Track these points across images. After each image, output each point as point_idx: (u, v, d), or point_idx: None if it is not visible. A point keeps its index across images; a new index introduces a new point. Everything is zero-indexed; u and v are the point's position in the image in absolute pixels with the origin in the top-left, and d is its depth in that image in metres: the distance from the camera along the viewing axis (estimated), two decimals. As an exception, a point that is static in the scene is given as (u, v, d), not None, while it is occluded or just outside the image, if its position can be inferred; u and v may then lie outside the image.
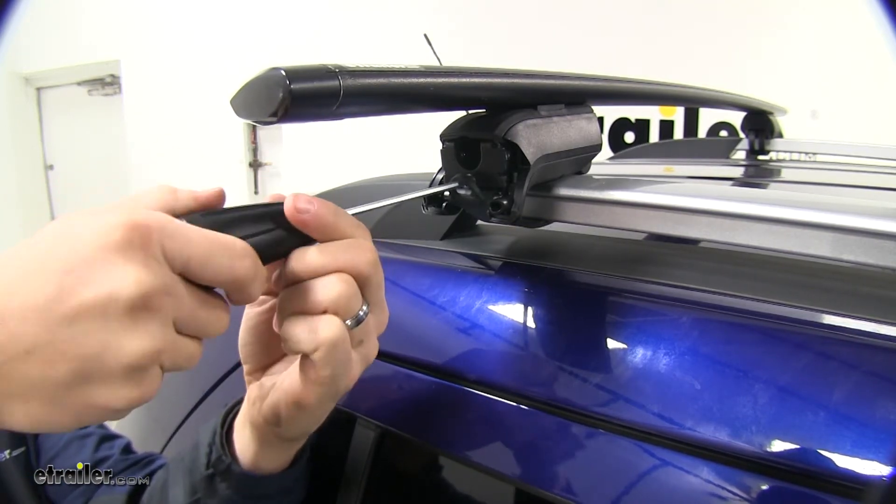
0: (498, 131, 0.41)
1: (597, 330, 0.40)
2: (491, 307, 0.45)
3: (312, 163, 3.85)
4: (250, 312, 0.40)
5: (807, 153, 1.33)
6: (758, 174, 0.94)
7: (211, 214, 0.31)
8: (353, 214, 0.35)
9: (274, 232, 0.32)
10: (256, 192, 4.29)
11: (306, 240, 0.33)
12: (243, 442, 0.42)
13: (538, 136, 0.43)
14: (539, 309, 0.44)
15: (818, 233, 0.35)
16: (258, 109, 0.29)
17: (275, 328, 0.35)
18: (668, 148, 1.47)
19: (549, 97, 0.46)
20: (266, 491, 0.42)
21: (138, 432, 0.81)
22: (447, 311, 0.47)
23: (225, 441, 0.42)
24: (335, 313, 0.32)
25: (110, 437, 0.60)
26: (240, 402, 0.43)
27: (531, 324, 0.43)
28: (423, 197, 0.46)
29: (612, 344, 0.39)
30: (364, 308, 0.34)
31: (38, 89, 4.92)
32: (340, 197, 0.72)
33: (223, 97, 0.34)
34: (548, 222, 0.48)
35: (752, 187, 0.80)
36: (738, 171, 0.96)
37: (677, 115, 3.22)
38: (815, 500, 0.29)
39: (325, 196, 0.34)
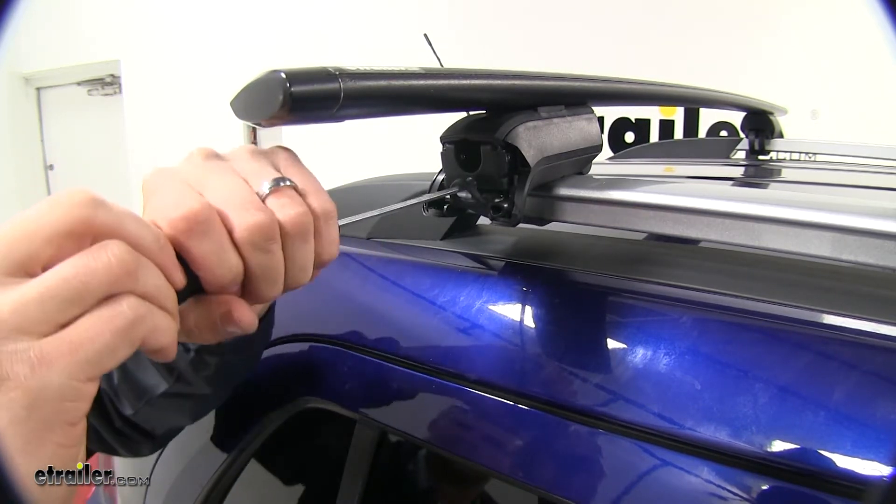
0: (498, 134, 0.41)
1: (597, 330, 0.40)
2: (491, 307, 0.45)
3: (312, 162, 3.83)
4: None
5: (807, 153, 1.33)
6: (758, 174, 0.94)
7: None
8: (353, 223, 0.35)
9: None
10: (256, 192, 4.28)
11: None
12: None
13: (538, 139, 0.43)
14: (539, 309, 0.44)
15: (818, 233, 0.35)
16: (258, 112, 0.29)
17: None
18: (668, 148, 1.46)
19: (549, 98, 0.46)
20: None
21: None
22: (447, 311, 0.47)
23: None
24: None
25: None
26: None
27: (531, 324, 0.43)
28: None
29: (612, 344, 0.39)
30: None
31: (38, 89, 4.91)
32: (341, 197, 0.72)
33: (223, 97, 0.34)
34: (548, 222, 0.48)
35: (752, 187, 0.80)
36: (738, 171, 0.96)
37: (677, 115, 3.21)
38: (815, 500, 0.29)
39: None
